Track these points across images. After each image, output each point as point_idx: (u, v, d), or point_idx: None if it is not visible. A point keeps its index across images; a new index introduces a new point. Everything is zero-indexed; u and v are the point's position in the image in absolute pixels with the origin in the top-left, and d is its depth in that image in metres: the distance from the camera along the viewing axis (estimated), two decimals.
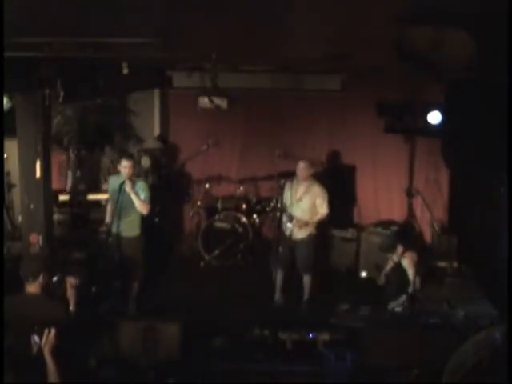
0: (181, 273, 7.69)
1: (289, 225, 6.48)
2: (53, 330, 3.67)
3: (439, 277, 6.74)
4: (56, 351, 3.68)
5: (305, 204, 6.43)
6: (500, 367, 3.50)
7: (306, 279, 6.64)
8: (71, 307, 4.46)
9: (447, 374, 4.01)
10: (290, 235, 6.46)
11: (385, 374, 4.83)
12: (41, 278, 4.29)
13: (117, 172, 6.42)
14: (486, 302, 5.74)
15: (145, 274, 6.50)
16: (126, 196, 6.01)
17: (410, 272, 6.12)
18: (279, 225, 6.59)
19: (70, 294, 4.47)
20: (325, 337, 5.49)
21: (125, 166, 6.09)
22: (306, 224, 6.39)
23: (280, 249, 6.51)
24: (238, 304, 6.54)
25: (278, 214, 6.66)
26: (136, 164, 6.55)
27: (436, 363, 4.31)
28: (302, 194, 6.44)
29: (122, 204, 6.03)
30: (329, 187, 6.55)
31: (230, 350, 5.48)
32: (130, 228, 6.20)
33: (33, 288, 4.30)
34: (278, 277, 6.65)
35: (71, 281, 4.48)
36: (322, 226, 6.79)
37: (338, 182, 8.43)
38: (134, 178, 6.17)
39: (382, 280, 6.57)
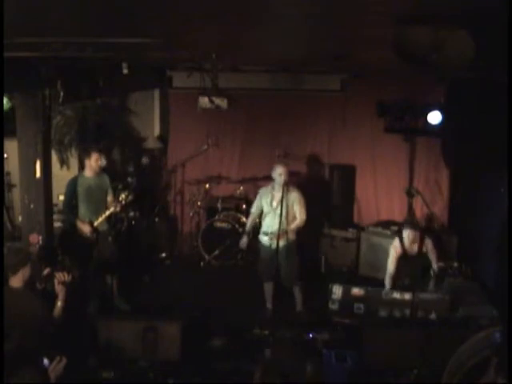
0: (181, 273, 7.70)
1: (265, 238, 6.30)
2: (64, 360, 3.65)
3: (439, 277, 6.72)
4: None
5: (282, 211, 6.00)
6: (500, 367, 3.50)
7: (296, 290, 6.40)
8: (59, 303, 4.43)
9: (447, 374, 4.00)
10: (270, 244, 6.21)
11: (385, 374, 4.83)
12: (22, 271, 4.31)
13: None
14: (486, 302, 5.73)
15: (145, 274, 6.48)
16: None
17: (432, 255, 6.08)
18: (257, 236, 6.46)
19: (58, 289, 4.45)
20: (325, 337, 5.49)
21: (96, 158, 6.20)
22: (283, 235, 6.04)
23: (262, 259, 6.36)
24: (238, 304, 6.53)
25: (249, 223, 6.57)
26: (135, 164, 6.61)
27: (436, 363, 4.31)
28: (279, 201, 6.02)
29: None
30: (329, 188, 6.48)
31: (230, 350, 5.48)
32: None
33: (15, 282, 4.32)
34: (267, 288, 6.44)
35: (60, 276, 4.47)
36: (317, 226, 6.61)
37: (337, 182, 8.45)
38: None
39: (389, 283, 6.38)
